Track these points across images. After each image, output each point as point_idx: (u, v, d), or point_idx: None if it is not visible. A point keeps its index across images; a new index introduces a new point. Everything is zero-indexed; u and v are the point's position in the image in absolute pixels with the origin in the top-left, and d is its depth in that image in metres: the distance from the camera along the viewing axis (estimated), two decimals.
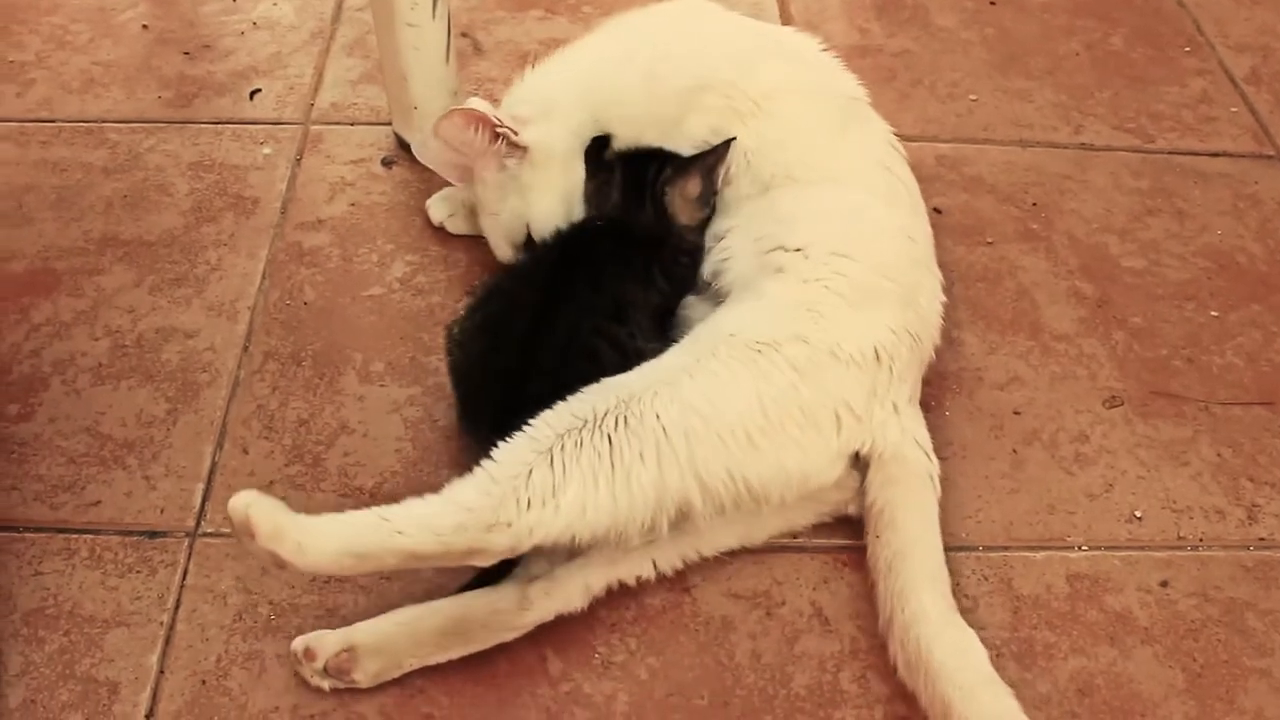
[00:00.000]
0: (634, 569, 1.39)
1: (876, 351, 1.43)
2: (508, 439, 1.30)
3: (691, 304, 1.56)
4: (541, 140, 1.59)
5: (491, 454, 1.30)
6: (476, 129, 1.58)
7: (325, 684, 1.30)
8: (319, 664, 1.29)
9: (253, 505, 1.23)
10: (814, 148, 1.59)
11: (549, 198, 1.60)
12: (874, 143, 1.65)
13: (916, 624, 1.31)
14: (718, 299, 1.52)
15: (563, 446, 1.28)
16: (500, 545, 1.27)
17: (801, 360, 1.38)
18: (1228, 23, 2.32)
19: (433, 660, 1.31)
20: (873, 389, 1.43)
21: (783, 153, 1.58)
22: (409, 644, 1.31)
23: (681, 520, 1.33)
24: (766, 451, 1.35)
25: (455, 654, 1.32)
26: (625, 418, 1.31)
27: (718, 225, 1.59)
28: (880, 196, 1.57)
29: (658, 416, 1.31)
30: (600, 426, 1.30)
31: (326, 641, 1.30)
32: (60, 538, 1.43)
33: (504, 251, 1.66)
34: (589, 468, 1.28)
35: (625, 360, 1.39)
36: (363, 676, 1.30)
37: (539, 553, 1.33)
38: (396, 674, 1.31)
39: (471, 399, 1.46)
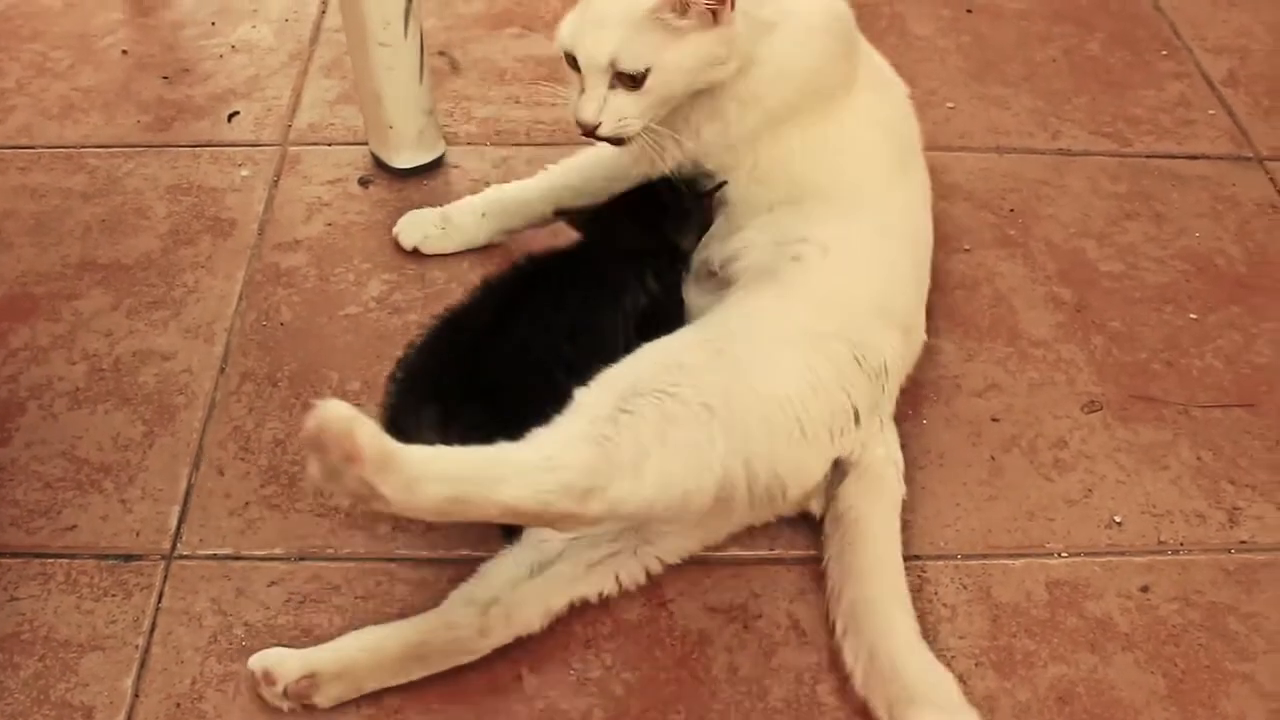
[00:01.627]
0: (597, 586, 1.38)
1: (886, 365, 1.45)
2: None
3: (693, 293, 1.57)
4: None
5: (572, 408, 1.26)
6: None
7: (284, 705, 1.30)
8: (279, 688, 1.28)
9: (356, 423, 1.07)
10: (871, 180, 1.58)
11: None
12: (918, 184, 1.67)
13: (887, 640, 1.31)
14: (721, 286, 1.53)
15: (644, 401, 1.26)
16: (592, 514, 1.22)
17: (841, 358, 1.40)
18: (1204, 26, 2.32)
19: (392, 683, 1.31)
20: (875, 401, 1.45)
21: (836, 173, 1.57)
22: (369, 668, 1.31)
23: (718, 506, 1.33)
24: (797, 446, 1.36)
25: (415, 676, 1.32)
26: (696, 384, 1.30)
27: (738, 220, 1.58)
28: (910, 231, 1.60)
29: (725, 394, 1.30)
30: (673, 389, 1.28)
31: (287, 667, 1.29)
32: (36, 563, 1.42)
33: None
34: (668, 437, 1.26)
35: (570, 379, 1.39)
36: (323, 700, 1.30)
37: (499, 574, 1.35)
38: (355, 695, 1.31)
39: (413, 384, 1.43)
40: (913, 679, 1.29)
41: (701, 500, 1.29)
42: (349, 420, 1.07)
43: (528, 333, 1.41)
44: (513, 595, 1.35)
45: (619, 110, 1.45)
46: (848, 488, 1.43)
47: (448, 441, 1.27)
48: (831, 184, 1.55)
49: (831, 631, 1.36)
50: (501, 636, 1.33)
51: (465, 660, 1.32)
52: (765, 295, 1.46)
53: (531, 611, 1.35)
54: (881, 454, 1.46)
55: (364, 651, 1.31)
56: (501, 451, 1.20)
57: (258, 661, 1.30)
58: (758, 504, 1.36)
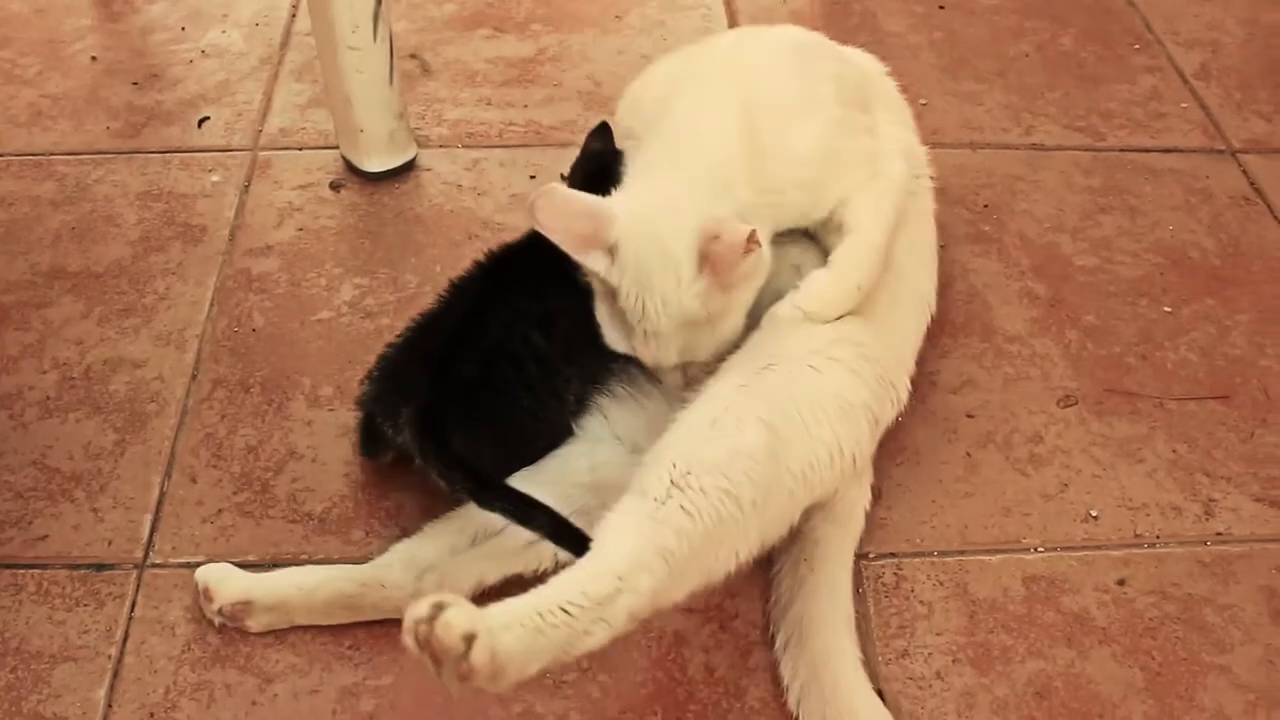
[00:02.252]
0: (534, 563, 1.38)
1: (879, 413, 1.44)
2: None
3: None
4: None
5: (635, 498, 1.23)
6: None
7: (218, 621, 1.35)
8: (215, 606, 1.34)
9: (478, 642, 1.07)
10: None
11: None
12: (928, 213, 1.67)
13: (834, 663, 1.30)
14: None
15: (703, 496, 1.22)
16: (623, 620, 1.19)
17: (863, 424, 1.39)
18: (1176, 19, 2.32)
19: (323, 623, 1.36)
20: (869, 445, 1.44)
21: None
22: (302, 607, 1.35)
23: None
24: (801, 504, 1.35)
25: (343, 621, 1.36)
26: (749, 473, 1.25)
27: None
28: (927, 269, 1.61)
29: (772, 482, 1.28)
30: (735, 497, 1.24)
31: (226, 588, 1.34)
32: (7, 573, 1.41)
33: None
34: (714, 538, 1.23)
35: (544, 373, 1.39)
36: (255, 625, 1.35)
37: (441, 539, 1.38)
38: (285, 627, 1.35)
39: (390, 386, 1.43)
40: (857, 707, 1.28)
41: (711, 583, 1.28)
42: (466, 640, 1.06)
43: (496, 327, 1.41)
44: (450, 563, 1.37)
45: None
46: (814, 512, 1.41)
47: (425, 442, 1.31)
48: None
49: (771, 641, 1.36)
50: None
51: (394, 617, 1.28)
52: (809, 343, 1.40)
53: (465, 581, 1.36)
54: (854, 494, 1.45)
55: (299, 590, 1.35)
56: (578, 587, 1.15)
57: (202, 575, 1.36)
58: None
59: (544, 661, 1.14)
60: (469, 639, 1.06)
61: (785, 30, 1.65)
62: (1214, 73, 2.20)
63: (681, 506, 1.21)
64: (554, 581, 1.16)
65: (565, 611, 1.13)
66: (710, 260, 1.30)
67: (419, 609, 1.07)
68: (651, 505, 1.21)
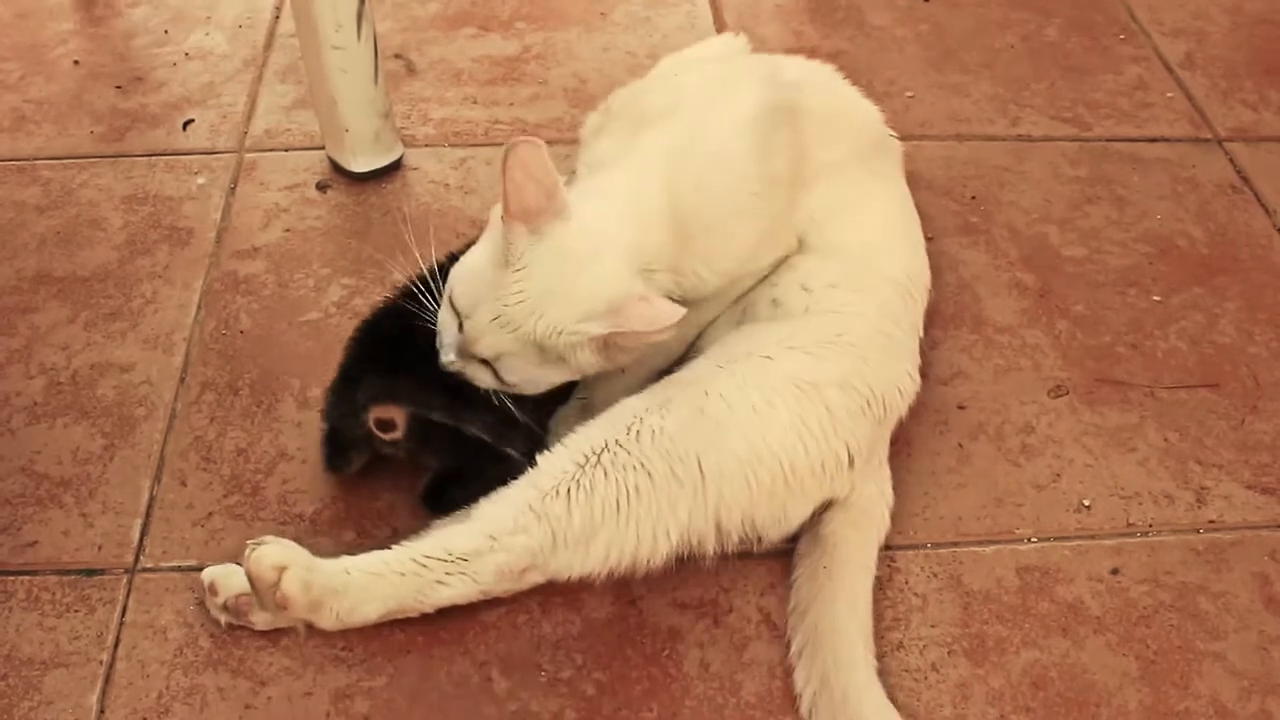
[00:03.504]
0: None
1: (886, 402, 1.44)
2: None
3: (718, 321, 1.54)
4: None
5: (530, 475, 1.30)
6: None
7: (223, 618, 1.34)
8: (219, 600, 1.33)
9: (288, 574, 1.24)
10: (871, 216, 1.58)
11: None
12: (903, 198, 1.67)
13: (845, 671, 1.29)
14: (744, 313, 1.52)
15: (604, 475, 1.29)
16: (529, 583, 1.31)
17: (837, 406, 1.38)
18: (1161, 9, 2.32)
19: None
20: (874, 443, 1.44)
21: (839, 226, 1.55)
22: None
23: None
24: (780, 497, 1.36)
25: None
26: (668, 452, 1.30)
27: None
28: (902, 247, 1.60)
29: (699, 460, 1.31)
30: (641, 457, 1.30)
31: (230, 582, 1.33)
32: None
33: None
34: (623, 510, 1.29)
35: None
36: (259, 621, 1.34)
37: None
38: (287, 625, 1.34)
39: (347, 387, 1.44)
40: (866, 716, 1.27)
41: (656, 560, 1.32)
42: (276, 569, 1.24)
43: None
44: None
45: None
46: (834, 515, 1.41)
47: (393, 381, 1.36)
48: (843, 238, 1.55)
49: (787, 648, 1.35)
50: None
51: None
52: (766, 336, 1.44)
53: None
54: (873, 490, 1.45)
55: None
56: (441, 543, 1.29)
57: (207, 573, 1.35)
58: (731, 549, 1.37)
59: (387, 605, 1.28)
60: (279, 569, 1.23)
61: (759, 88, 1.53)
62: (1199, 62, 2.20)
63: (575, 479, 1.29)
64: (425, 537, 1.30)
65: (417, 562, 1.27)
66: (622, 320, 1.30)
67: (230, 584, 1.31)
68: (545, 479, 1.29)
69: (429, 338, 1.40)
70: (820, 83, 1.63)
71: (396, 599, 1.28)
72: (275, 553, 1.26)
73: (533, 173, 1.30)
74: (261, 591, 1.26)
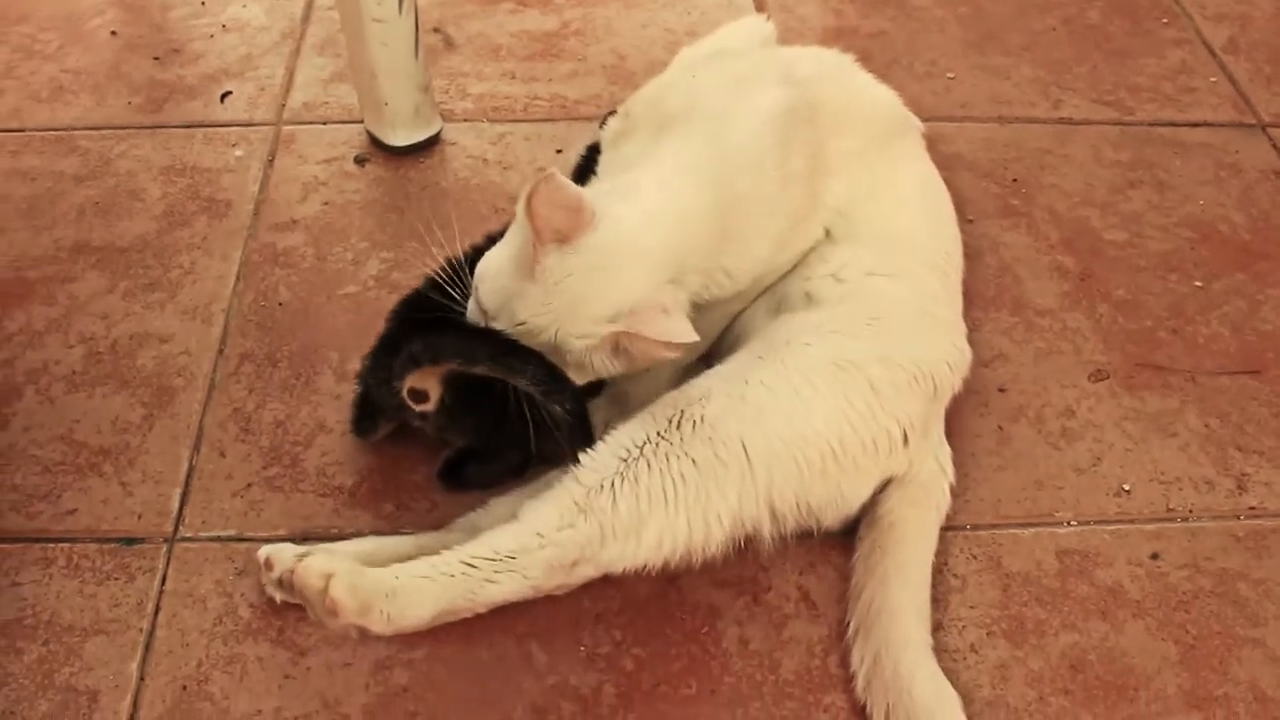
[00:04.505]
0: None
1: (935, 378, 1.43)
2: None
3: (751, 309, 1.53)
4: None
5: (573, 472, 1.30)
6: None
7: (278, 595, 1.34)
8: (275, 574, 1.33)
9: (336, 580, 1.24)
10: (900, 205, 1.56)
11: None
12: (927, 177, 1.65)
13: (897, 649, 1.29)
14: (779, 306, 1.50)
15: (648, 466, 1.29)
16: (581, 577, 1.30)
17: (881, 382, 1.37)
18: None
19: None
20: (927, 415, 1.43)
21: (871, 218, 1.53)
22: None
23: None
24: (833, 477, 1.36)
25: None
26: (711, 438, 1.30)
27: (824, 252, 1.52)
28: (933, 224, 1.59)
29: (743, 443, 1.30)
30: (684, 446, 1.30)
31: (284, 555, 1.33)
32: (37, 547, 1.41)
33: None
34: (671, 499, 1.28)
35: None
36: None
37: (500, 508, 1.38)
38: (339, 631, 1.32)
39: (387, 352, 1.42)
40: (918, 693, 1.26)
41: (710, 548, 1.31)
42: (323, 577, 1.24)
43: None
44: None
45: None
46: (890, 494, 1.41)
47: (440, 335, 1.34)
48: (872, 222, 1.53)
49: (838, 628, 1.35)
50: None
51: None
52: (803, 324, 1.43)
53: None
54: (932, 467, 1.44)
55: (358, 553, 1.34)
56: (488, 543, 1.28)
57: (264, 551, 1.35)
58: (790, 534, 1.36)
59: (438, 606, 1.27)
60: (326, 576, 1.24)
61: (775, 88, 1.50)
62: (1243, 47, 2.19)
63: (619, 473, 1.29)
64: (471, 541, 1.29)
65: (466, 564, 1.27)
66: (637, 322, 1.30)
67: (284, 558, 1.31)
68: (589, 476, 1.30)
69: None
70: (833, 74, 1.61)
71: (447, 599, 1.27)
72: (322, 561, 1.27)
73: (556, 202, 1.30)
74: (311, 600, 1.26)
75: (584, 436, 1.35)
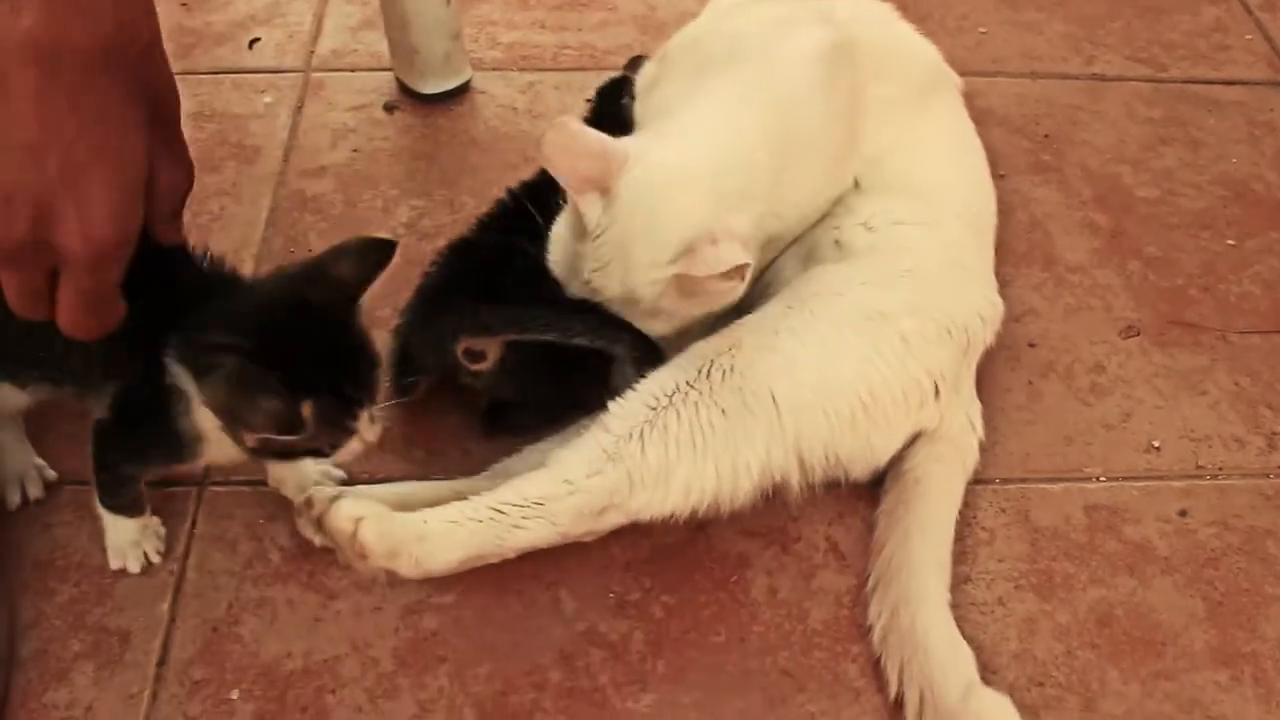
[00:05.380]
0: None
1: (968, 330, 1.42)
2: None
3: (781, 260, 1.51)
4: None
5: (602, 420, 1.29)
6: None
7: (317, 539, 1.33)
8: (315, 512, 1.31)
9: (365, 523, 1.23)
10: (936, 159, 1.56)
11: None
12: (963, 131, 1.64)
13: (914, 603, 1.28)
14: (808, 256, 1.49)
15: (677, 415, 1.28)
16: (610, 525, 1.30)
17: (912, 334, 1.37)
18: None
19: None
20: (958, 368, 1.42)
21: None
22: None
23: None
24: (863, 429, 1.35)
25: None
26: (740, 388, 1.29)
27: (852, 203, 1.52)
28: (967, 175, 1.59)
29: (772, 392, 1.30)
30: (713, 395, 1.29)
31: (322, 494, 1.32)
32: (69, 490, 1.40)
33: None
34: (700, 446, 1.28)
35: None
36: None
37: (530, 455, 1.38)
38: (368, 575, 1.33)
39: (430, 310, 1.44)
40: (933, 648, 1.25)
41: (739, 498, 1.31)
42: (352, 520, 1.23)
43: (530, 248, 1.41)
44: None
45: None
46: (919, 449, 1.40)
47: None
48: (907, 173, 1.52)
49: (859, 580, 1.35)
50: None
51: None
52: (834, 276, 1.42)
53: None
54: (962, 422, 1.43)
55: (395, 495, 1.34)
56: (516, 490, 1.27)
57: (304, 494, 1.34)
58: (819, 485, 1.36)
59: (466, 551, 1.27)
60: (356, 520, 1.22)
61: (818, 27, 1.48)
62: (1279, 3, 2.16)
63: (648, 420, 1.28)
64: (500, 488, 1.28)
65: (494, 509, 1.25)
66: (690, 261, 1.28)
67: (325, 500, 1.28)
68: (617, 424, 1.29)
69: (523, 261, 1.39)
70: (873, 19, 1.60)
71: (475, 544, 1.27)
72: (351, 505, 1.26)
73: (574, 150, 1.28)
74: (341, 544, 1.26)
75: (656, 364, 1.35)
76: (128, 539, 1.33)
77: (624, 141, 1.34)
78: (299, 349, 1.11)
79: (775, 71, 1.42)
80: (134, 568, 1.34)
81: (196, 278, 1.20)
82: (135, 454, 1.26)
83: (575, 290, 1.37)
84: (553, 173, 1.30)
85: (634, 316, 1.37)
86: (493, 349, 1.37)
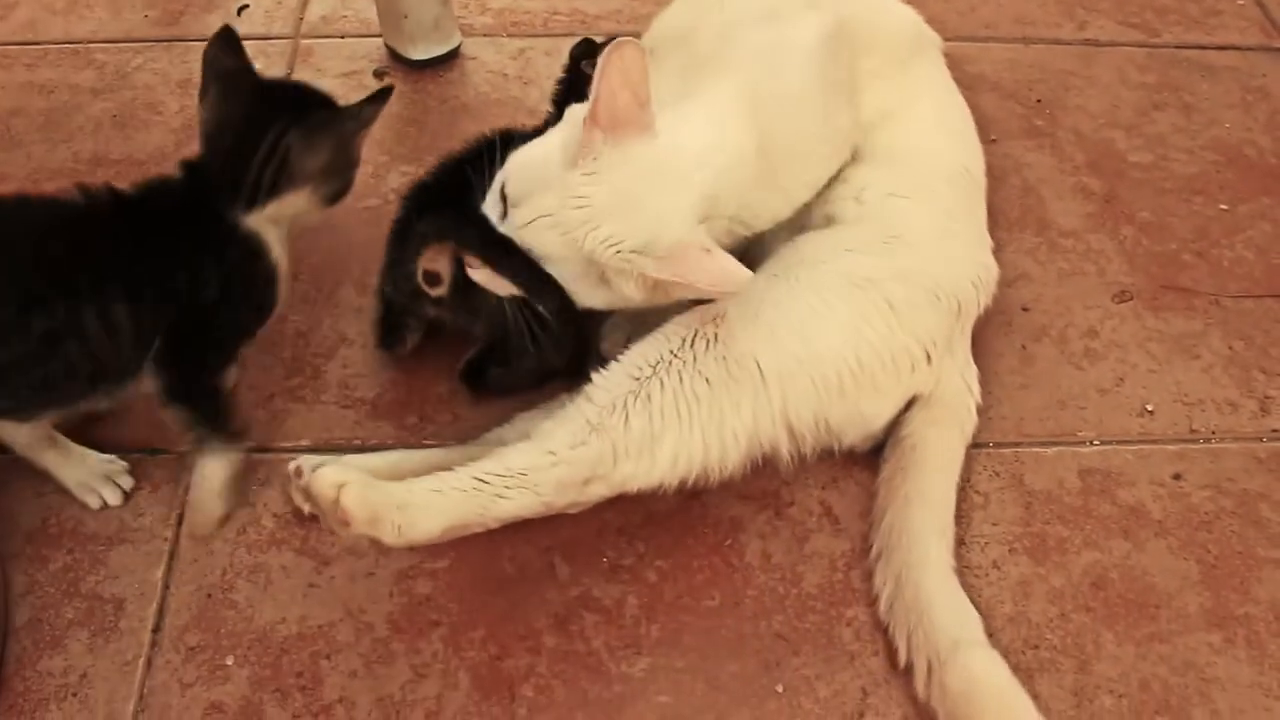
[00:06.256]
0: None
1: (959, 295, 1.42)
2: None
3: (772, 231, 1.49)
4: None
5: (586, 391, 1.29)
6: None
7: (306, 506, 1.33)
8: (304, 482, 1.29)
9: (347, 489, 1.20)
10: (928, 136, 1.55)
11: None
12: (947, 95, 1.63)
13: (918, 570, 1.28)
14: (800, 228, 1.47)
15: (661, 385, 1.27)
16: (595, 496, 1.28)
17: (900, 300, 1.36)
18: None
19: None
20: (950, 333, 1.42)
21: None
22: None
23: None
24: (852, 396, 1.35)
25: None
26: (725, 357, 1.29)
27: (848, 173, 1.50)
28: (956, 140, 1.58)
29: (756, 361, 1.29)
30: (698, 365, 1.28)
31: (310, 463, 1.31)
32: None
33: None
34: (685, 416, 1.27)
35: None
36: None
37: (522, 423, 1.38)
38: (351, 542, 1.33)
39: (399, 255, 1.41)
40: (938, 612, 1.25)
41: (727, 467, 1.30)
42: (335, 487, 1.19)
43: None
44: None
45: None
46: (915, 415, 1.40)
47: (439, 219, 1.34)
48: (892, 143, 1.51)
49: (867, 546, 1.35)
50: None
51: None
52: (820, 244, 1.42)
53: None
54: (958, 385, 1.43)
55: (385, 462, 1.35)
56: (501, 460, 1.26)
57: (294, 463, 1.34)
58: (811, 453, 1.36)
59: (449, 519, 1.24)
60: (338, 486, 1.19)
61: (811, 15, 1.47)
62: None
63: (632, 392, 1.27)
64: (485, 458, 1.27)
65: (478, 479, 1.24)
66: (676, 273, 1.23)
67: (308, 465, 1.28)
68: (601, 395, 1.28)
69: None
70: None
71: (458, 514, 1.24)
72: (334, 471, 1.23)
73: (631, 78, 1.24)
74: (325, 510, 1.23)
75: (566, 341, 1.34)
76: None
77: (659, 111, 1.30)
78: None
79: (776, 72, 1.41)
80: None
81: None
82: (234, 332, 1.34)
83: (520, 215, 1.30)
84: (594, 83, 1.23)
85: (568, 273, 1.31)
86: (445, 270, 1.34)
